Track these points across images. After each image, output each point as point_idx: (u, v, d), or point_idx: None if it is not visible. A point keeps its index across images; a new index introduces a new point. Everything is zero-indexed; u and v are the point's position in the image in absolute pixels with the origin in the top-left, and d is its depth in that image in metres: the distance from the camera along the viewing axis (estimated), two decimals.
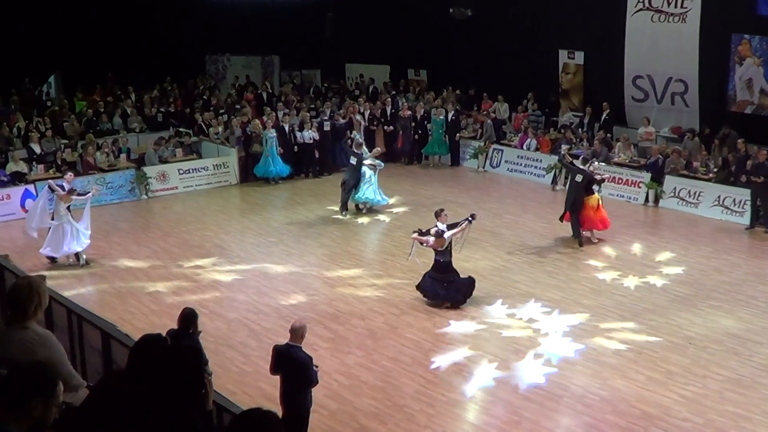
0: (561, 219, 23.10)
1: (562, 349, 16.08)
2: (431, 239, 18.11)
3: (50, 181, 21.98)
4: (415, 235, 18.52)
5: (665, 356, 15.71)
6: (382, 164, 26.73)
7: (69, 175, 21.58)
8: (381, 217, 25.28)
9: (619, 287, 19.32)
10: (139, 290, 19.35)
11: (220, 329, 16.99)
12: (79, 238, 20.66)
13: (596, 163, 23.87)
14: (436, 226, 18.22)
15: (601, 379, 14.83)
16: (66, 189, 20.63)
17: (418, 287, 18.51)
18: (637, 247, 22.16)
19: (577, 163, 23.55)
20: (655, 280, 19.66)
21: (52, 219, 20.73)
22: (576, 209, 22.59)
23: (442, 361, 15.63)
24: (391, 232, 23.84)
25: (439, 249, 18.16)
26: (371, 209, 25.91)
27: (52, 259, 20.90)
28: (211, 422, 7.30)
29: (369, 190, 25.75)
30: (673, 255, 21.33)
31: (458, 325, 17.25)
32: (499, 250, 21.74)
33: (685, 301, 18.55)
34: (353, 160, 25.89)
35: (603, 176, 23.63)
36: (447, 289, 18.18)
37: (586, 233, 22.73)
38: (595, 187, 22.81)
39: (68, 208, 20.66)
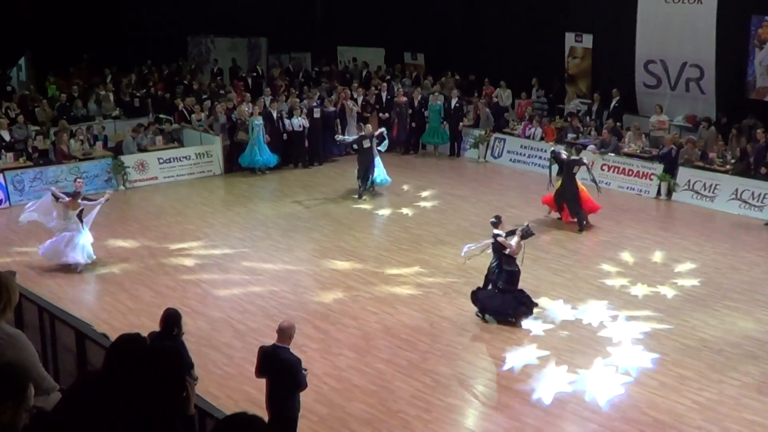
0: (560, 217, 23.92)
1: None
2: (514, 242, 17.35)
3: (53, 188, 21.62)
4: (502, 238, 17.44)
5: (678, 360, 15.70)
6: (384, 129, 28.26)
7: (78, 181, 21.15)
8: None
9: (628, 288, 19.30)
10: (116, 287, 19.33)
11: (203, 329, 16.96)
12: (83, 251, 20.12)
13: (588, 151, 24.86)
14: (501, 234, 17.50)
15: (609, 384, 14.81)
16: (71, 194, 20.14)
17: (476, 298, 17.68)
18: (652, 251, 22.19)
19: (571, 154, 23.86)
20: (666, 290, 19.47)
21: (69, 223, 20.15)
22: (576, 201, 23.33)
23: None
24: (387, 227, 23.85)
25: (514, 256, 17.54)
26: (376, 192, 26.89)
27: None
28: (193, 428, 7.29)
29: (378, 172, 26.78)
30: (693, 266, 21.13)
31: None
32: None
33: (700, 301, 18.53)
34: (366, 143, 26.45)
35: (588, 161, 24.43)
36: (514, 303, 17.35)
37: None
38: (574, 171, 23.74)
39: (80, 215, 20.17)
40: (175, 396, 6.31)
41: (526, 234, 17.56)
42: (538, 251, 21.43)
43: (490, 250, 17.92)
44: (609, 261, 20.92)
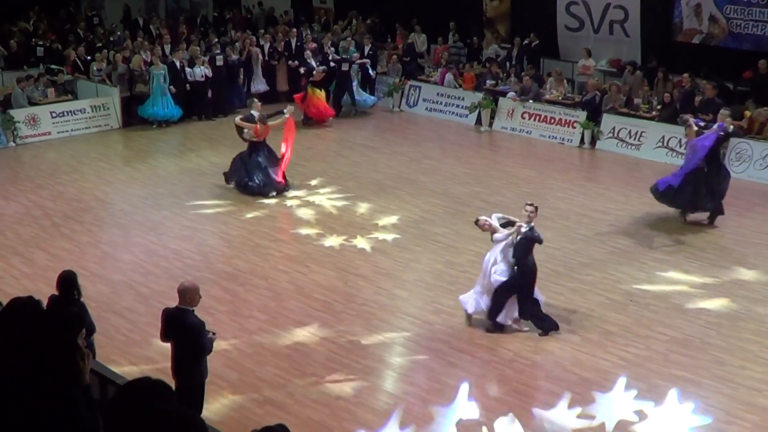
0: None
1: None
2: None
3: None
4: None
5: (603, 315, 15.89)
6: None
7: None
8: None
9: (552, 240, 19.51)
10: (8, 251, 19.02)
11: (103, 293, 16.79)
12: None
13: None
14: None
15: (532, 342, 14.99)
16: None
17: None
18: (575, 202, 22.39)
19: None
20: (592, 242, 19.78)
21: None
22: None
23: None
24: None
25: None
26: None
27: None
28: (91, 396, 7.23)
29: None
30: (619, 217, 21.41)
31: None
32: (417, 199, 21.77)
33: (626, 253, 18.75)
34: (344, 66, 29.74)
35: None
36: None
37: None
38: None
39: None
40: (70, 362, 6.26)
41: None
42: (462, 206, 21.51)
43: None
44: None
